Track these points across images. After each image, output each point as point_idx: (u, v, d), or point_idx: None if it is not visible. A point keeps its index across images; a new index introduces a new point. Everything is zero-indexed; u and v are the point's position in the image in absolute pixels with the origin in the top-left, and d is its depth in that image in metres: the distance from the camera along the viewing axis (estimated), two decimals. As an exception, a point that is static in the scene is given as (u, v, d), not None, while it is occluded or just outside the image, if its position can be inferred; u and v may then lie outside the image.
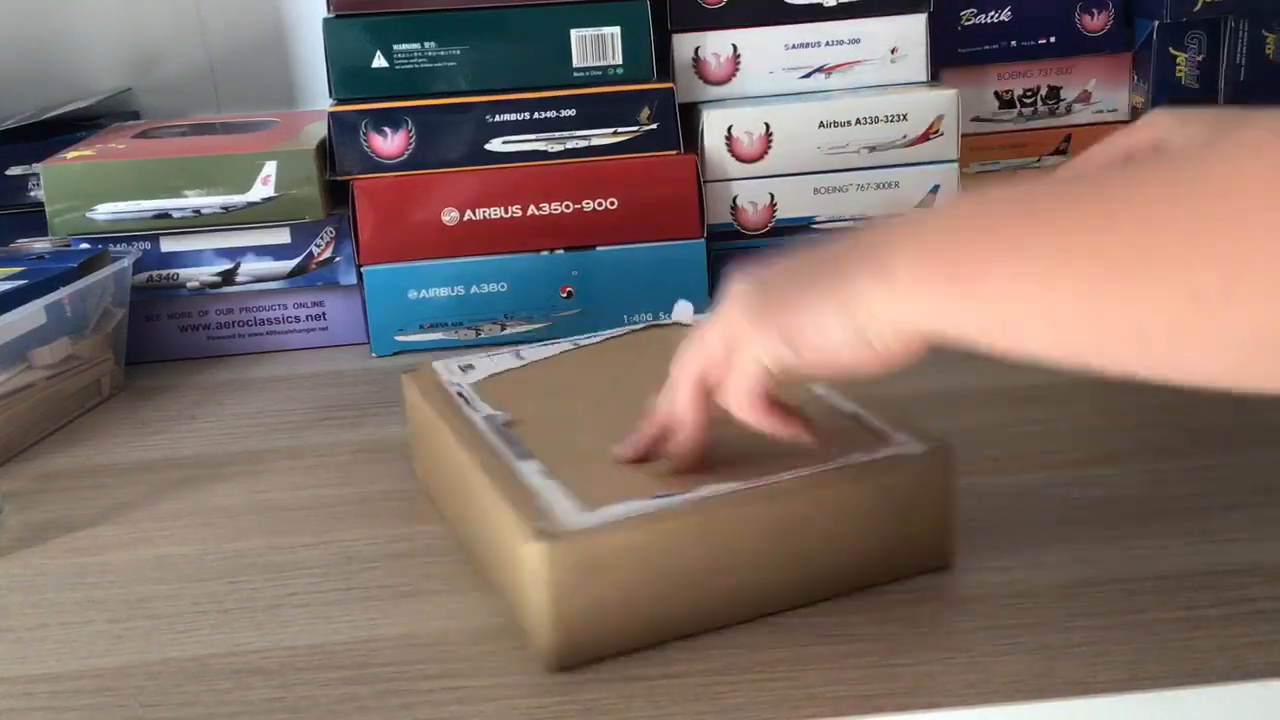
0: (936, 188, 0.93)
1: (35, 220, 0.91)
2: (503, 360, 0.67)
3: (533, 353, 0.68)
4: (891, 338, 0.45)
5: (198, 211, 0.88)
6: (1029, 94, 1.00)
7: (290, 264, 0.91)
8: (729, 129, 0.91)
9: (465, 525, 0.60)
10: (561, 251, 0.91)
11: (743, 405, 0.51)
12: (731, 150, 0.92)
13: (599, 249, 0.91)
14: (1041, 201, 0.41)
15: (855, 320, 0.45)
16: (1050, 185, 0.43)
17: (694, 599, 0.51)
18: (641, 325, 0.72)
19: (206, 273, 0.90)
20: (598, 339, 0.70)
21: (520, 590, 0.51)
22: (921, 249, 0.44)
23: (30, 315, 0.77)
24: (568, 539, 0.49)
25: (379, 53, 0.89)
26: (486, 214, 0.90)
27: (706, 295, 0.92)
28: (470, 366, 0.66)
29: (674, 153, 0.91)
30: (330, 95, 0.90)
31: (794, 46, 0.94)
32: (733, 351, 0.50)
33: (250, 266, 0.90)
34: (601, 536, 0.49)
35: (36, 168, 0.90)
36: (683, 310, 0.72)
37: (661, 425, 0.54)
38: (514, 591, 0.52)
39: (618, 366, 0.67)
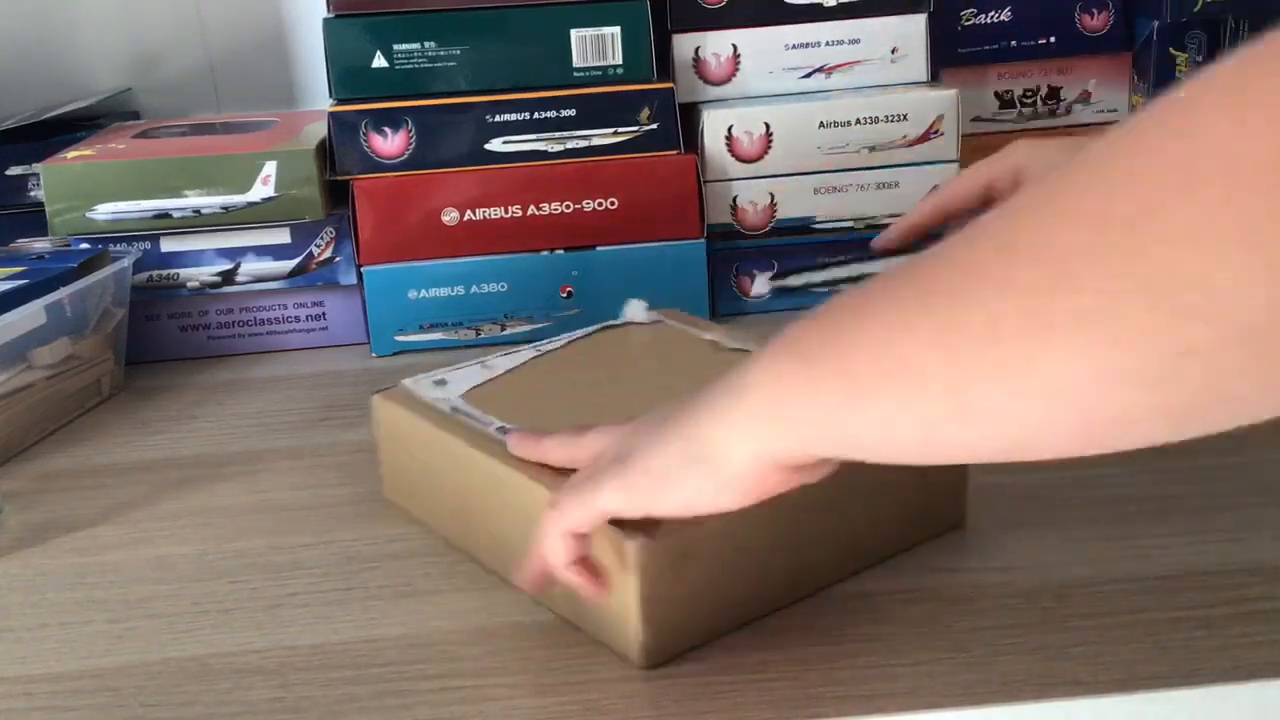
0: (936, 188, 0.93)
1: (35, 220, 0.91)
2: (472, 373, 0.66)
3: (500, 362, 0.67)
4: (752, 470, 0.43)
5: (198, 211, 0.88)
6: (1029, 94, 1.00)
7: (290, 264, 0.91)
8: (729, 129, 0.91)
9: (492, 536, 0.58)
10: (561, 251, 0.91)
11: (554, 539, 0.48)
12: (731, 150, 0.92)
13: (599, 249, 0.91)
14: (890, 281, 0.39)
15: (710, 461, 0.43)
16: (892, 272, 0.40)
17: (764, 580, 0.53)
18: (597, 326, 0.71)
19: (206, 273, 0.90)
20: (559, 343, 0.70)
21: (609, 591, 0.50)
22: (770, 358, 0.42)
23: (30, 315, 0.77)
24: (663, 534, 0.49)
25: (379, 53, 0.89)
26: (486, 214, 0.90)
27: (706, 295, 0.93)
28: (443, 382, 0.64)
29: (674, 153, 0.91)
30: (330, 95, 0.90)
31: (794, 46, 0.94)
32: (580, 492, 0.48)
33: (250, 266, 0.90)
34: (689, 527, 0.49)
35: (36, 168, 0.90)
36: (636, 309, 0.71)
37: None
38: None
39: (585, 370, 0.66)
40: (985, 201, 0.61)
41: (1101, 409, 0.33)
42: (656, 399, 0.50)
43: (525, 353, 0.68)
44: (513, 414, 0.60)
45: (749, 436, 0.42)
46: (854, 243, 0.94)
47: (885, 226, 0.93)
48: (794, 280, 0.64)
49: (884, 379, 0.37)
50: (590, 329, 0.71)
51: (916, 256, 0.38)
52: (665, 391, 0.51)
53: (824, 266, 0.64)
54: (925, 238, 0.63)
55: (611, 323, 0.72)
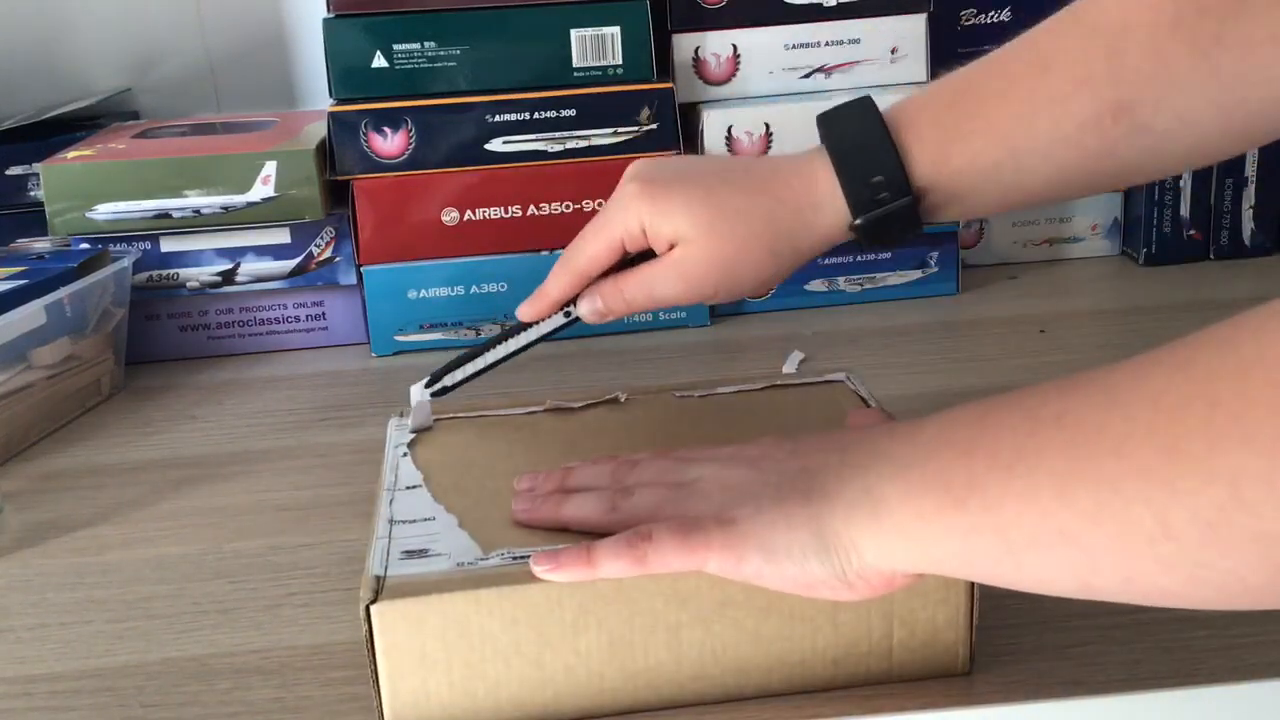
0: (565, 253, 0.92)
1: (35, 220, 0.91)
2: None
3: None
4: (875, 577, 0.42)
5: (198, 211, 0.88)
6: (1029, 94, 0.99)
7: (290, 264, 0.91)
8: (729, 129, 0.91)
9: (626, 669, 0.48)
10: (561, 252, 0.91)
11: (624, 568, 0.45)
12: (732, 150, 0.92)
13: (599, 249, 0.91)
14: (1039, 405, 0.38)
15: (838, 559, 0.42)
16: (1043, 388, 0.39)
17: None
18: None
19: (206, 273, 0.90)
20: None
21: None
22: (912, 476, 0.41)
23: (30, 315, 0.77)
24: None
25: (379, 53, 0.89)
26: (486, 214, 0.90)
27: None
28: (424, 551, 0.49)
29: (674, 153, 0.91)
30: (330, 95, 0.90)
31: (794, 46, 0.94)
32: (686, 547, 0.44)
33: (250, 266, 0.90)
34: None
35: (36, 168, 0.90)
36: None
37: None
38: None
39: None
40: (620, 257, 0.61)
41: None
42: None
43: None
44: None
45: (886, 553, 0.42)
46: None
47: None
48: (451, 379, 0.63)
49: (1043, 547, 0.37)
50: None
51: (1046, 395, 0.38)
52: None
53: (476, 355, 0.63)
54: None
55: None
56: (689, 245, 0.58)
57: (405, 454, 0.58)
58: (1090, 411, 0.36)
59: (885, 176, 0.56)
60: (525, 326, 0.64)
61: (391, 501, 0.53)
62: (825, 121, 0.59)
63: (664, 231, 0.59)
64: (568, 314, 0.63)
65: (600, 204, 0.90)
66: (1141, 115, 0.52)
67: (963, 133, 0.56)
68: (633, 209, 0.59)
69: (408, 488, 0.54)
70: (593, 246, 0.61)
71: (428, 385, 0.63)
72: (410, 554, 0.48)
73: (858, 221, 0.57)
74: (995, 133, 0.55)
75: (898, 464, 0.42)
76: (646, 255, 0.61)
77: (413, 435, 0.60)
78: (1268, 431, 0.32)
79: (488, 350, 0.64)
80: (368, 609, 0.45)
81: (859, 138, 0.57)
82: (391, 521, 0.51)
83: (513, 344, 0.64)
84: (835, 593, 0.43)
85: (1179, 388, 0.34)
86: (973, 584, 0.47)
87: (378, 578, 0.46)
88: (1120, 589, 0.37)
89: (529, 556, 0.46)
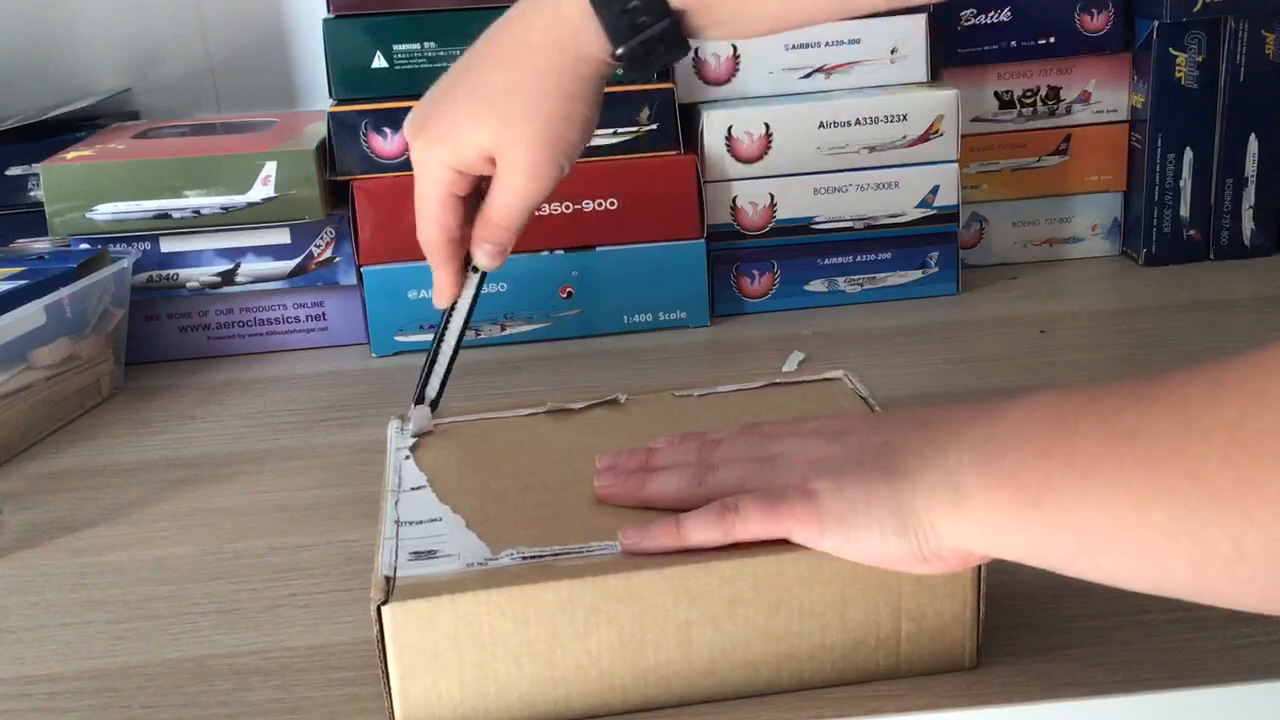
0: (936, 189, 0.93)
1: (35, 220, 0.91)
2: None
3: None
4: (952, 556, 0.43)
5: (198, 212, 0.88)
6: (1029, 94, 1.00)
7: (290, 264, 0.91)
8: (729, 129, 0.91)
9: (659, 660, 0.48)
10: (561, 252, 0.91)
11: (711, 536, 0.46)
12: (731, 150, 0.92)
13: (599, 249, 0.91)
14: (1115, 414, 0.38)
15: (916, 538, 0.43)
16: (1117, 394, 0.39)
17: None
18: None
19: (206, 273, 0.90)
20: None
21: None
22: (991, 468, 0.41)
23: (30, 315, 0.77)
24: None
25: (379, 53, 0.89)
26: (486, 214, 0.90)
27: (706, 296, 0.93)
28: (431, 552, 0.49)
29: (674, 153, 0.91)
30: (330, 95, 0.90)
31: (794, 46, 0.94)
32: (774, 514, 0.46)
33: (250, 267, 0.90)
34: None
35: (36, 168, 0.90)
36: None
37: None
38: None
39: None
40: (463, 205, 0.61)
41: None
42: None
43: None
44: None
45: (963, 536, 0.42)
46: (857, 240, 0.94)
47: (885, 226, 0.93)
48: (432, 390, 0.63)
49: (1119, 553, 0.38)
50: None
51: (1123, 404, 0.38)
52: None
53: (435, 359, 0.64)
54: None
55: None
56: (504, 149, 0.58)
57: (407, 456, 0.58)
58: (1166, 430, 0.37)
59: (640, 1, 0.55)
60: (450, 311, 0.64)
61: (397, 503, 0.53)
62: None
63: (473, 157, 0.59)
64: (473, 270, 0.64)
65: (600, 204, 0.90)
66: None
67: None
68: (432, 161, 0.59)
69: (412, 489, 0.54)
70: (432, 216, 0.61)
71: (419, 403, 0.63)
72: (419, 555, 0.48)
73: (619, 51, 0.57)
74: None
75: (979, 452, 0.42)
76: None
77: (414, 439, 0.60)
78: None
79: (440, 348, 0.65)
80: (379, 610, 0.45)
81: None
82: (398, 523, 0.51)
83: (454, 329, 0.65)
84: (912, 567, 0.44)
85: (1253, 419, 0.34)
86: (979, 579, 0.48)
87: (388, 578, 0.46)
88: (1193, 595, 0.38)
89: (538, 556, 0.47)
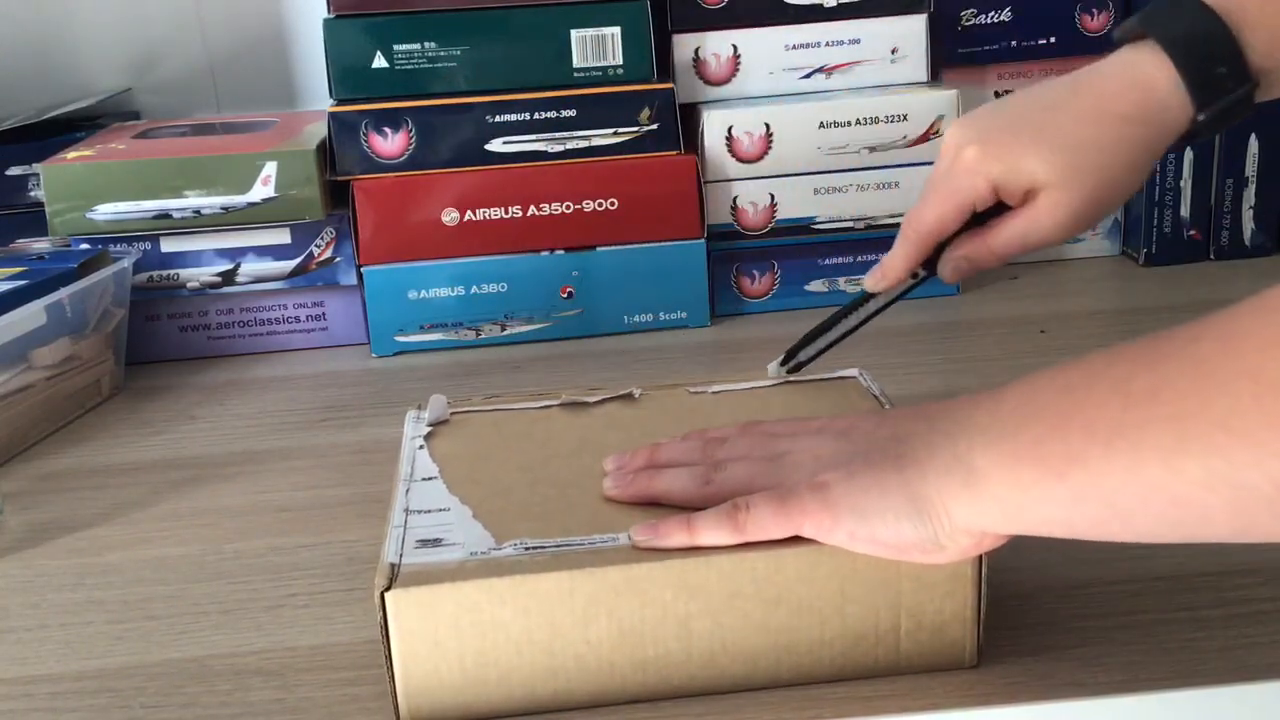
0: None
1: (35, 220, 0.91)
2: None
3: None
4: (965, 538, 0.44)
5: (198, 212, 0.88)
6: (1029, 94, 0.99)
7: (290, 264, 0.91)
8: (729, 129, 0.91)
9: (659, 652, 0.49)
10: (561, 251, 0.91)
11: (721, 536, 0.47)
12: (731, 150, 0.92)
13: (599, 249, 0.91)
14: (1126, 379, 0.39)
15: (931, 523, 0.43)
16: (1122, 361, 0.40)
17: None
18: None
19: (207, 273, 0.90)
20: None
21: None
22: (1005, 447, 0.42)
23: (30, 315, 0.77)
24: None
25: (379, 53, 0.89)
26: (486, 214, 0.90)
27: (706, 296, 0.93)
28: (437, 540, 0.49)
29: (674, 153, 0.91)
30: (330, 95, 0.90)
31: (794, 47, 0.94)
32: (784, 512, 0.46)
33: (250, 267, 0.90)
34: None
35: (36, 168, 0.90)
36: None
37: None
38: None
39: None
40: (968, 219, 0.61)
41: None
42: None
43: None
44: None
45: (978, 518, 0.43)
46: (858, 241, 0.94)
47: (885, 226, 0.93)
48: (805, 355, 0.64)
49: (1153, 512, 0.38)
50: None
51: (1133, 368, 0.39)
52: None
53: (826, 329, 0.64)
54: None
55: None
56: (1052, 191, 0.58)
57: (422, 446, 0.58)
58: (1191, 387, 0.37)
59: (1228, 67, 0.56)
60: (870, 296, 0.65)
61: (408, 491, 0.53)
62: (1146, 21, 0.58)
63: (1018, 185, 0.59)
64: (915, 275, 0.64)
65: (600, 204, 0.90)
66: None
67: None
68: (980, 172, 0.59)
69: (424, 479, 0.54)
70: (939, 212, 0.61)
71: (783, 363, 0.64)
72: (425, 543, 0.48)
73: (1201, 118, 0.57)
74: None
75: (988, 434, 0.42)
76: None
77: (430, 429, 0.60)
78: None
79: (838, 323, 0.65)
80: (383, 595, 0.45)
81: (1193, 31, 0.56)
82: (408, 511, 0.51)
83: (863, 312, 0.66)
84: (926, 555, 0.45)
85: (1274, 366, 0.35)
86: (980, 577, 0.48)
87: (393, 565, 0.47)
88: (1233, 538, 0.38)
89: (541, 547, 0.47)
